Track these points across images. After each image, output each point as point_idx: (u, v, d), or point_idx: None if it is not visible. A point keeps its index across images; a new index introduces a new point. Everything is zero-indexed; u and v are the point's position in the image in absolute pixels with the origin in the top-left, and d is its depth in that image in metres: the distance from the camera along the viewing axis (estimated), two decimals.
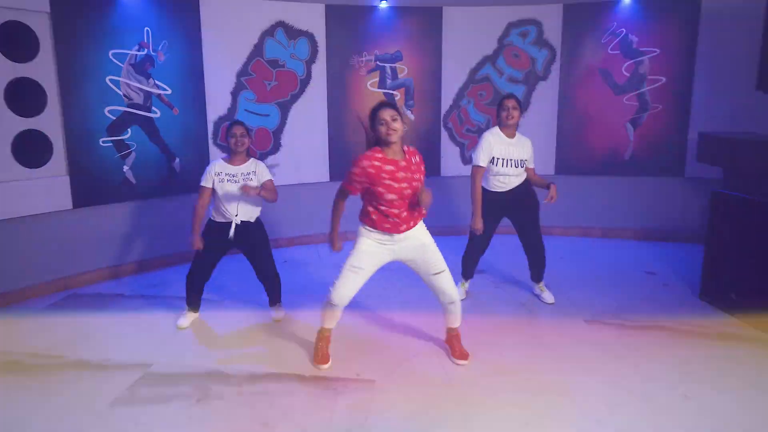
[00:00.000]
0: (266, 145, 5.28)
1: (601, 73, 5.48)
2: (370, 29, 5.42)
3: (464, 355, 3.10)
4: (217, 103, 4.97)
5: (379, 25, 5.43)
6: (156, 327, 3.57)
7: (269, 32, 5.10)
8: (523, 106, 3.81)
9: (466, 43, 5.58)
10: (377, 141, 2.78)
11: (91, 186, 4.32)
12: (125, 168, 4.49)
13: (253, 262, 3.63)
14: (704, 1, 5.07)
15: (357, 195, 2.85)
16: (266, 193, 3.36)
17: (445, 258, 2.96)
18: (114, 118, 4.39)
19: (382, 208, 2.76)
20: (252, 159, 3.55)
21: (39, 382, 2.87)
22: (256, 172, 3.47)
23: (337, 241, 2.99)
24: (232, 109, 5.06)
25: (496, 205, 3.82)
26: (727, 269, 3.70)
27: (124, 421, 2.52)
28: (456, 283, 4.07)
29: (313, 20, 5.24)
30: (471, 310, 3.80)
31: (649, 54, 5.33)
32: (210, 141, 4.99)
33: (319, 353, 3.05)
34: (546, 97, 5.64)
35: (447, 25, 5.51)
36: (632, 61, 5.38)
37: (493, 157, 3.69)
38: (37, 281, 4.13)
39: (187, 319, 3.65)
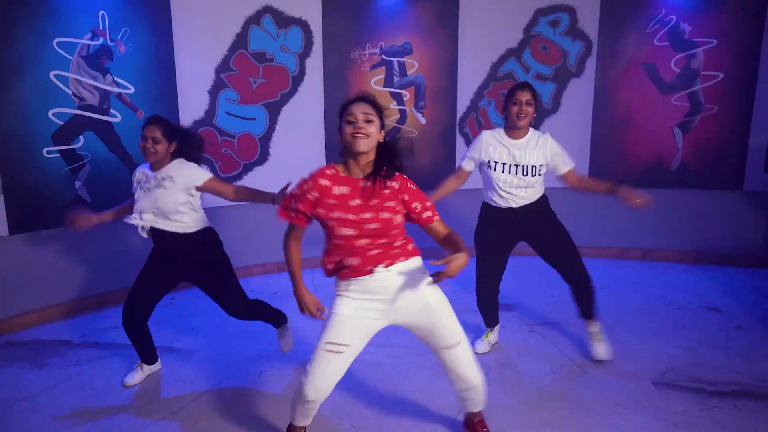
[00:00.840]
0: (251, 155, 4.47)
1: (646, 69, 4.67)
2: (375, 17, 4.60)
3: None
4: (192, 105, 4.16)
5: (386, 12, 4.61)
6: (103, 395, 2.75)
7: (255, 20, 4.29)
8: (539, 101, 2.95)
9: (486, 34, 4.77)
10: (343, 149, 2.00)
11: (32, 207, 3.51)
12: (77, 184, 3.69)
13: (212, 295, 2.79)
14: None
15: (303, 227, 2.06)
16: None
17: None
18: (62, 123, 3.58)
19: (339, 243, 1.98)
20: (174, 162, 2.68)
21: None
22: (173, 178, 2.63)
23: (309, 299, 2.13)
24: (210, 111, 4.26)
25: (500, 226, 2.98)
26: None
27: None
28: (479, 335, 3.30)
29: (307, 6, 4.43)
30: (496, 375, 3.00)
31: (705, 46, 4.52)
32: None
33: None
34: (579, 96, 4.84)
35: (465, 12, 4.71)
36: (684, 54, 4.57)
37: (489, 161, 2.88)
38: None
39: (137, 375, 2.86)
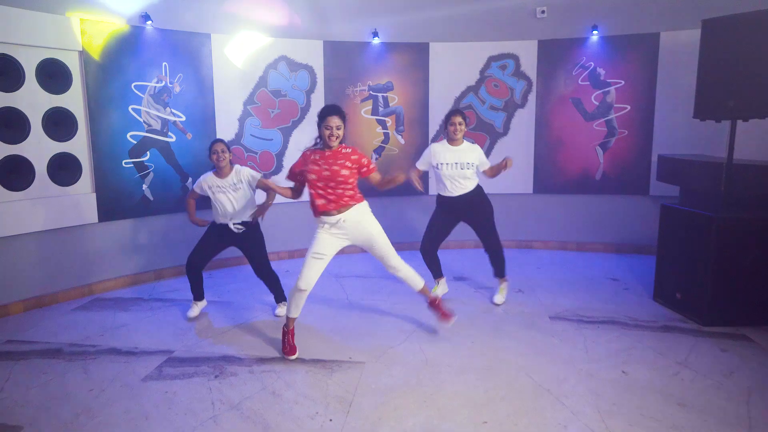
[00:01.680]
0: (270, 166, 5.84)
1: (573, 102, 6.07)
2: (364, 62, 6.02)
3: (448, 315, 3.71)
4: (226, 129, 5.54)
5: (372, 59, 6.03)
6: (173, 323, 4.06)
7: (273, 65, 5.70)
8: (467, 120, 4.41)
9: (450, 74, 6.18)
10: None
11: (114, 202, 4.86)
12: (144, 186, 5.03)
13: (250, 260, 4.14)
14: (662, 38, 5.69)
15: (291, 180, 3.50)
16: (266, 206, 4.05)
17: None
18: (135, 143, 4.94)
19: (311, 190, 3.38)
20: (234, 168, 4.06)
21: (79, 365, 3.36)
22: (242, 180, 4.01)
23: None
24: (239, 134, 5.63)
25: (448, 209, 4.32)
26: (674, 272, 4.22)
27: (154, 392, 3.02)
28: (430, 287, 4.63)
29: (312, 54, 5.84)
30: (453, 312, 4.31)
31: (616, 85, 5.92)
32: None
33: (287, 345, 3.51)
34: (524, 123, 6.22)
35: (433, 58, 6.12)
36: (600, 91, 5.98)
37: (438, 163, 4.22)
38: (66, 287, 4.63)
39: (195, 309, 4.18)
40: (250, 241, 4.10)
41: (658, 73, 5.76)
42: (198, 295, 4.21)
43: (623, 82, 5.90)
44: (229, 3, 5.42)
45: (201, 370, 3.28)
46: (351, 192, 3.41)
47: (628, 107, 5.93)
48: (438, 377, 3.18)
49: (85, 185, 4.69)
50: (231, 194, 3.99)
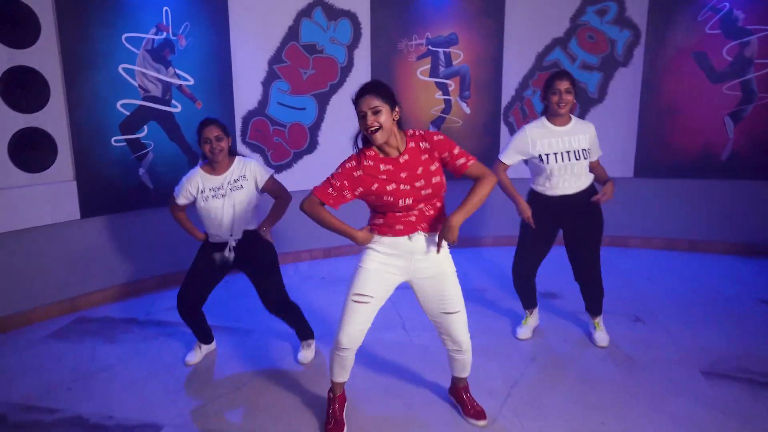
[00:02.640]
0: (301, 143, 4.62)
1: (696, 57, 4.61)
2: (422, 8, 4.68)
3: (480, 414, 2.44)
4: (246, 95, 4.33)
5: (432, 4, 4.68)
6: (169, 368, 2.97)
7: (306, 12, 4.43)
8: (578, 89, 2.94)
9: (532, 24, 4.78)
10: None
11: (101, 192, 3.75)
12: (141, 171, 3.91)
13: (258, 287, 2.91)
14: None
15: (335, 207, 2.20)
16: (275, 217, 2.80)
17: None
18: (128, 114, 3.80)
19: (389, 212, 2.17)
20: (237, 159, 2.81)
21: None
22: (245, 176, 2.76)
23: (362, 234, 2.22)
24: (263, 101, 4.42)
25: (548, 212, 3.03)
26: None
27: None
28: (519, 320, 3.40)
29: None
30: (542, 360, 3.07)
31: (759, 33, 4.44)
32: (239, 138, 4.36)
33: (332, 419, 2.39)
34: (627, 86, 4.81)
35: (510, 3, 4.73)
36: (736, 42, 4.50)
37: (543, 154, 2.91)
38: (40, 302, 3.59)
39: (197, 354, 3.05)
40: (257, 261, 2.85)
41: None
42: (203, 337, 3.07)
43: None
44: None
45: None
46: (440, 204, 2.21)
47: None
48: None
49: (62, 171, 3.58)
50: (230, 197, 2.74)
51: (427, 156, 2.14)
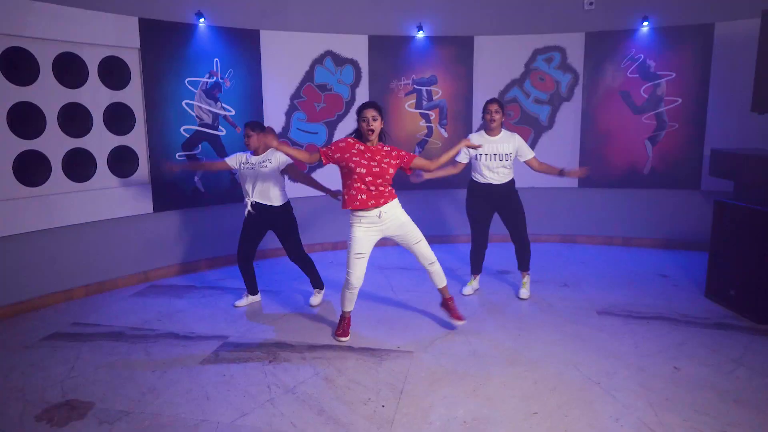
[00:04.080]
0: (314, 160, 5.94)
1: (621, 95, 5.96)
2: (408, 56, 6.06)
3: (459, 317, 3.75)
4: (274, 122, 5.66)
5: (416, 53, 6.06)
6: (226, 310, 4.22)
7: (319, 60, 5.80)
8: (504, 108, 4.30)
9: (495, 68, 6.15)
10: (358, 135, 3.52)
11: (168, 193, 5.05)
12: (196, 179, 5.21)
13: (283, 243, 4.23)
14: (717, 29, 5.52)
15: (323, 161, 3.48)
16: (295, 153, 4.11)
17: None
18: (188, 136, 5.12)
19: (355, 185, 3.41)
20: (270, 149, 4.15)
21: (141, 347, 3.54)
22: (271, 159, 4.10)
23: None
24: (286, 127, 5.76)
25: (481, 198, 4.31)
26: (728, 269, 4.12)
27: (212, 374, 3.16)
28: (465, 281, 4.68)
29: (357, 49, 5.91)
30: (499, 304, 4.31)
31: (666, 77, 5.79)
32: None
33: (341, 328, 3.65)
34: (570, 116, 6.15)
35: (478, 52, 6.11)
36: (650, 83, 5.85)
37: (477, 154, 4.19)
38: (124, 273, 4.85)
39: (244, 300, 4.31)
40: (281, 222, 4.17)
41: (712, 65, 5.60)
42: (251, 289, 4.35)
43: (674, 74, 5.76)
44: (278, 0, 5.54)
45: (255, 355, 3.41)
46: (390, 188, 3.51)
47: (680, 100, 5.78)
48: (486, 368, 3.21)
49: (142, 176, 4.90)
50: (257, 170, 4.07)
51: (386, 152, 3.44)
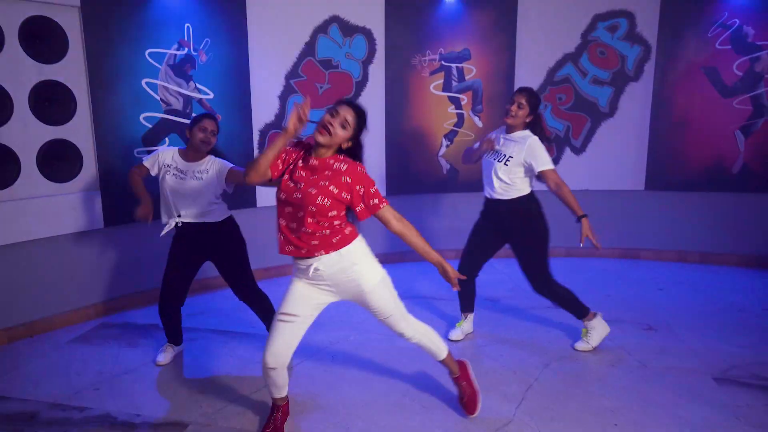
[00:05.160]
0: None
1: (707, 72, 4.68)
2: (435, 25, 4.79)
3: (472, 405, 2.54)
4: (264, 109, 4.44)
5: (445, 20, 4.80)
6: (192, 371, 3.04)
7: (322, 28, 4.55)
8: (537, 103, 3.10)
9: (544, 39, 4.89)
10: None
11: (124, 202, 3.84)
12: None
13: (227, 277, 3.07)
14: None
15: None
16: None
17: None
18: (150, 126, 3.92)
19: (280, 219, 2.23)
20: (209, 157, 3.00)
21: None
22: (209, 171, 2.93)
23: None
24: (280, 115, 4.54)
25: (487, 215, 3.22)
26: None
27: None
28: (454, 323, 3.51)
29: (371, 14, 4.66)
30: (558, 365, 3.11)
31: None
32: (256, 151, 4.47)
33: (270, 425, 2.41)
34: (637, 100, 4.88)
35: (522, 18, 4.84)
36: (746, 57, 4.57)
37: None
38: (64, 309, 3.68)
39: (167, 354, 3.15)
40: (225, 252, 3.02)
41: None
42: (176, 338, 3.19)
43: None
44: None
45: None
46: (327, 232, 2.17)
47: None
48: None
49: (87, 181, 3.70)
50: (186, 183, 2.90)
51: (327, 182, 2.13)
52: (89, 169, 3.71)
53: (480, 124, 4.99)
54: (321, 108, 4.65)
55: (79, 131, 3.64)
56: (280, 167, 2.20)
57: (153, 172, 3.01)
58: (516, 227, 3.12)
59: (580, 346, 3.21)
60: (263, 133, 4.49)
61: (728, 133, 4.72)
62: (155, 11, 3.82)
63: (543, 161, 3.00)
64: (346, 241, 2.21)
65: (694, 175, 4.86)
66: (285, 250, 2.21)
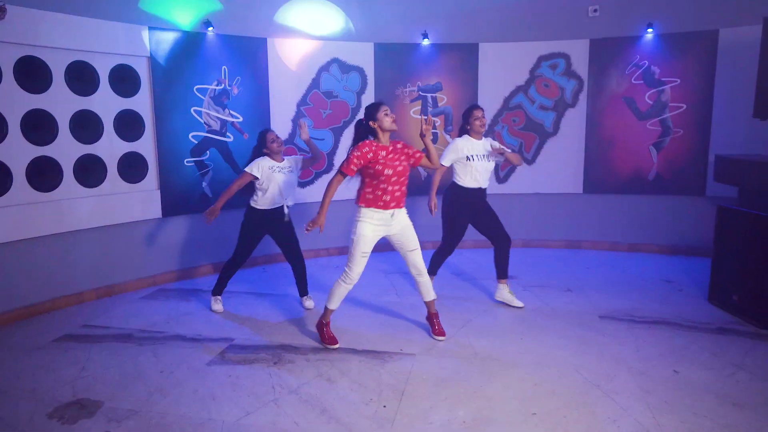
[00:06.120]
0: (321, 166, 6.02)
1: (626, 101, 5.99)
2: (414, 63, 6.13)
3: (441, 333, 3.75)
4: (280, 129, 5.74)
5: (422, 60, 6.13)
6: (232, 314, 4.28)
7: (325, 67, 5.88)
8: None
9: (500, 74, 6.20)
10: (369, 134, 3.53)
11: (176, 198, 5.14)
12: (204, 184, 5.30)
13: (284, 245, 4.34)
14: (721, 35, 5.55)
15: (352, 176, 3.45)
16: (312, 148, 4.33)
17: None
18: (196, 142, 5.22)
19: (382, 186, 3.41)
20: (286, 157, 4.30)
21: (149, 348, 3.61)
22: (290, 166, 4.26)
23: (322, 220, 3.46)
24: (293, 133, 5.83)
25: (467, 204, 4.35)
26: (731, 274, 4.13)
27: (219, 375, 3.23)
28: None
29: (363, 56, 5.99)
30: (500, 309, 4.35)
31: (671, 83, 5.81)
32: None
33: (327, 336, 3.65)
34: (574, 122, 6.18)
35: (483, 59, 6.17)
36: (655, 90, 5.88)
37: (472, 155, 4.27)
38: (133, 277, 4.94)
39: (221, 304, 4.39)
40: (283, 229, 4.30)
41: (716, 71, 5.62)
42: (222, 291, 4.46)
43: (679, 80, 5.78)
44: (285, 9, 5.63)
45: (260, 357, 3.47)
46: (405, 189, 3.55)
47: (684, 106, 5.80)
48: (487, 370, 3.25)
49: (150, 182, 4.99)
50: (287, 176, 4.20)
51: (405, 157, 3.50)
52: (152, 173, 5.00)
53: (450, 140, 6.26)
54: (325, 128, 5.97)
55: (146, 146, 4.93)
56: (354, 170, 3.42)
57: (257, 174, 4.11)
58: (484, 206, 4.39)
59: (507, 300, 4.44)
60: None
61: (644, 148, 6.01)
62: (201, 58, 5.14)
63: None
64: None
65: (620, 180, 6.13)
66: (390, 205, 3.44)
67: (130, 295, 4.77)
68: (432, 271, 4.54)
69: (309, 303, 4.43)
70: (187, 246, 5.32)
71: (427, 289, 3.73)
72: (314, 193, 5.86)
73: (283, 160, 4.25)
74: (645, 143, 6.00)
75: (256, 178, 4.17)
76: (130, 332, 3.91)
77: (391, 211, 3.47)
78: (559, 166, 6.26)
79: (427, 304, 3.79)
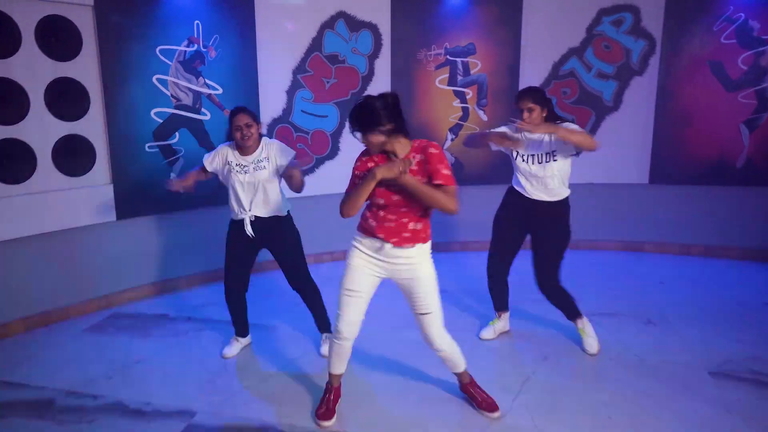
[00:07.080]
0: (323, 149, 4.81)
1: (711, 66, 4.69)
2: (440, 19, 4.83)
3: (492, 406, 2.58)
4: (272, 104, 4.52)
5: (451, 15, 4.83)
6: (201, 360, 3.15)
7: (329, 24, 4.61)
8: (543, 95, 3.01)
9: (549, 33, 4.91)
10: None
11: (135, 196, 3.97)
12: (172, 175, 4.11)
13: (282, 265, 3.14)
14: None
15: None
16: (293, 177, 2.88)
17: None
18: (161, 121, 4.01)
19: (372, 209, 2.37)
20: (262, 141, 3.03)
21: (71, 430, 2.48)
22: (268, 158, 2.97)
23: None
24: (288, 109, 4.61)
25: (518, 209, 3.14)
26: None
27: None
28: (487, 321, 3.51)
29: (377, 10, 4.71)
30: (556, 358, 3.18)
31: None
32: None
33: (323, 405, 2.55)
34: (642, 94, 4.90)
35: (528, 13, 4.85)
36: (752, 51, 4.57)
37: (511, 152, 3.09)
38: (78, 299, 3.82)
39: (234, 347, 3.23)
40: (280, 239, 3.08)
41: None
42: (241, 329, 3.27)
43: None
44: None
45: None
46: (417, 224, 2.35)
47: None
48: None
49: (100, 175, 3.81)
50: (253, 176, 2.95)
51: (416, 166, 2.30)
52: (102, 163, 3.82)
53: (485, 117, 5.04)
54: (328, 102, 4.73)
55: (92, 127, 3.74)
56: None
57: (212, 169, 3.05)
58: (547, 223, 3.12)
59: (591, 348, 3.19)
60: (270, 127, 4.57)
61: (732, 126, 4.74)
62: (166, 9, 3.90)
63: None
64: (419, 239, 2.43)
65: (698, 168, 4.89)
66: (377, 234, 2.36)
67: (72, 325, 3.65)
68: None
69: (325, 348, 3.21)
70: (151, 256, 4.16)
71: (453, 362, 2.57)
72: (317, 185, 4.66)
73: (255, 152, 3.00)
74: (734, 120, 4.72)
75: (212, 174, 3.05)
76: (51, 396, 2.78)
77: (378, 241, 2.33)
78: (620, 149, 5.00)
79: (457, 375, 2.65)
